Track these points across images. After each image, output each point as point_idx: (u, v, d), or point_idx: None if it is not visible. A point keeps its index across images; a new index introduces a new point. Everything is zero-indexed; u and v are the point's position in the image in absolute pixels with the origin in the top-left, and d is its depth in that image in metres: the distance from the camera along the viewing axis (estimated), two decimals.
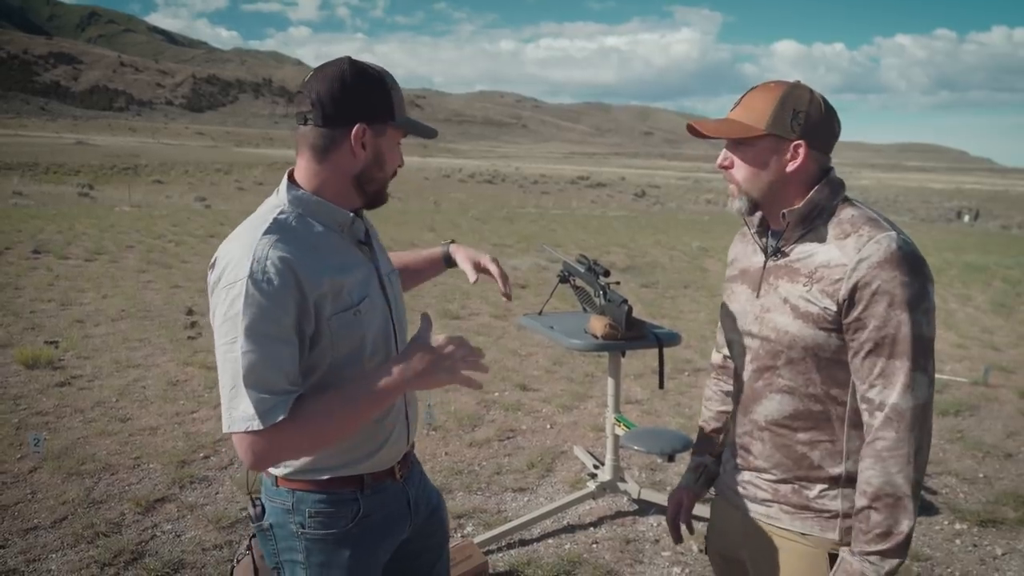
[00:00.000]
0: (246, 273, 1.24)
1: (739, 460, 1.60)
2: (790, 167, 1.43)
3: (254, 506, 1.49)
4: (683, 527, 1.79)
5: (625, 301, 3.02)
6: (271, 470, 1.46)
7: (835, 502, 1.46)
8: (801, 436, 1.48)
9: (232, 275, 1.26)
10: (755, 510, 1.57)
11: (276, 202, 1.39)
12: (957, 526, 3.60)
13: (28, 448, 3.99)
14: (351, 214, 1.42)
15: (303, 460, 1.42)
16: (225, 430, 1.26)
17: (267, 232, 1.30)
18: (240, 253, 1.27)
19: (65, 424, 4.45)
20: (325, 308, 1.32)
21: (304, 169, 1.40)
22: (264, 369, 1.24)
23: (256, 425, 1.23)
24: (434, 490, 1.71)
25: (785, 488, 1.51)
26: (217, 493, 3.66)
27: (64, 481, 3.69)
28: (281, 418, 1.24)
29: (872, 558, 1.35)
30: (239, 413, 1.24)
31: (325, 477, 1.44)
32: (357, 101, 1.35)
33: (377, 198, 1.47)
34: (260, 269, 1.25)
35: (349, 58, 1.39)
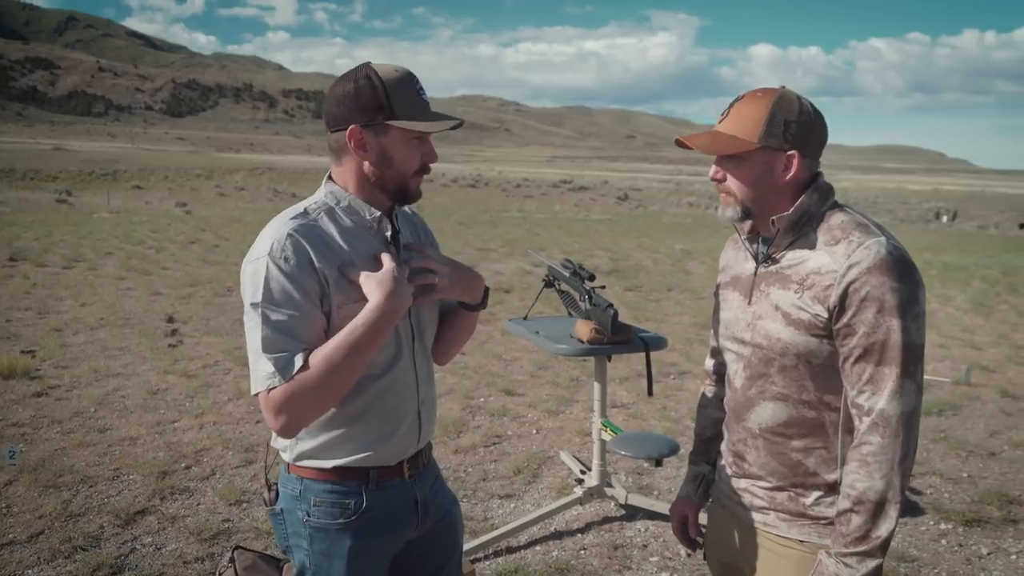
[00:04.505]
0: (267, 251, 1.37)
1: (734, 468, 1.60)
2: (784, 178, 1.43)
3: (269, 490, 1.56)
4: (694, 536, 1.78)
5: (611, 305, 3.01)
6: (283, 456, 1.52)
7: (831, 509, 1.45)
8: (796, 443, 1.47)
9: (256, 252, 1.39)
10: (752, 518, 1.56)
11: (314, 197, 1.50)
12: (942, 526, 3.62)
13: (4, 460, 3.91)
14: (378, 213, 1.48)
15: (313, 444, 1.47)
16: (252, 392, 1.37)
17: (293, 218, 1.42)
18: (266, 234, 1.41)
19: (42, 435, 4.37)
20: (334, 295, 1.40)
21: (333, 171, 1.50)
22: (280, 335, 1.34)
23: (277, 381, 1.33)
24: (449, 494, 1.73)
25: (781, 496, 1.50)
26: (199, 504, 3.60)
27: (41, 494, 3.61)
28: (297, 368, 1.33)
29: (849, 560, 1.34)
30: (261, 373, 1.34)
31: (331, 465, 1.47)
32: (349, 104, 1.41)
33: (401, 195, 1.49)
34: (279, 248, 1.37)
35: (367, 64, 1.43)
